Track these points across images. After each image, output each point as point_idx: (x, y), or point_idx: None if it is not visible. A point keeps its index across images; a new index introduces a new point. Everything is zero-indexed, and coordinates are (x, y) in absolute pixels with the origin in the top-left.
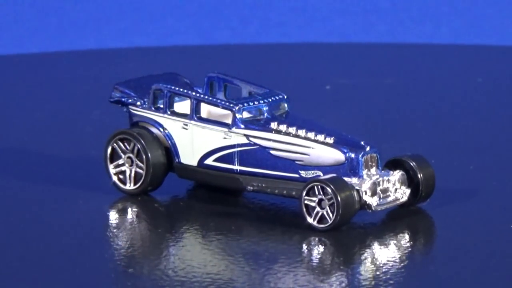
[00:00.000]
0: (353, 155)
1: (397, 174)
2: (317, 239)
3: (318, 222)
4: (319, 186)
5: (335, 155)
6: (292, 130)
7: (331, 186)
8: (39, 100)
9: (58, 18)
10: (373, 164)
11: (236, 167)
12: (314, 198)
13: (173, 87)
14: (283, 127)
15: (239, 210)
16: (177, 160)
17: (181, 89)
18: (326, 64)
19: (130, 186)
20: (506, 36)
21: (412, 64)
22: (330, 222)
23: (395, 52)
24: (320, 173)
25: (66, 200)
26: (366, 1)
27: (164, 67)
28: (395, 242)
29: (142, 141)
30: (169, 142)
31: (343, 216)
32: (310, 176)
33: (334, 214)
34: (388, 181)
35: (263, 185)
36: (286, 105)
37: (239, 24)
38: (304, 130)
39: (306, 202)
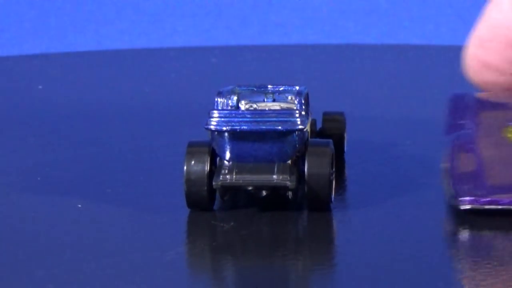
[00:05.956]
0: None
1: None
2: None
3: None
4: None
5: None
6: None
7: None
8: (39, 102)
9: (58, 18)
10: None
11: None
12: None
13: None
14: None
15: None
16: None
17: None
18: (326, 64)
19: None
20: None
21: (412, 64)
22: None
23: (395, 53)
24: None
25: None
26: (366, 1)
27: (164, 67)
28: None
29: None
30: None
31: None
32: None
33: None
34: None
35: None
36: None
37: (239, 25)
38: None
39: None
